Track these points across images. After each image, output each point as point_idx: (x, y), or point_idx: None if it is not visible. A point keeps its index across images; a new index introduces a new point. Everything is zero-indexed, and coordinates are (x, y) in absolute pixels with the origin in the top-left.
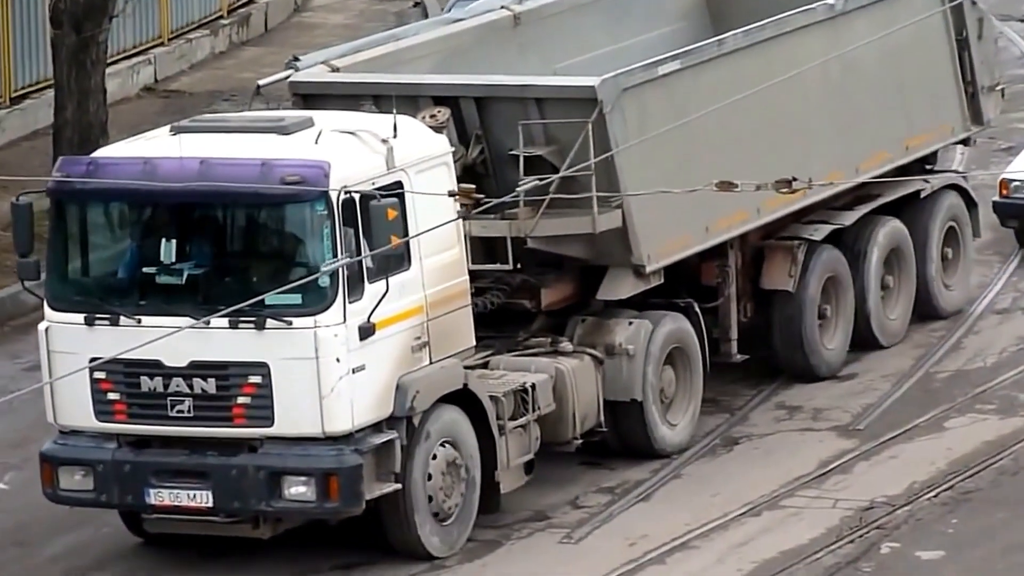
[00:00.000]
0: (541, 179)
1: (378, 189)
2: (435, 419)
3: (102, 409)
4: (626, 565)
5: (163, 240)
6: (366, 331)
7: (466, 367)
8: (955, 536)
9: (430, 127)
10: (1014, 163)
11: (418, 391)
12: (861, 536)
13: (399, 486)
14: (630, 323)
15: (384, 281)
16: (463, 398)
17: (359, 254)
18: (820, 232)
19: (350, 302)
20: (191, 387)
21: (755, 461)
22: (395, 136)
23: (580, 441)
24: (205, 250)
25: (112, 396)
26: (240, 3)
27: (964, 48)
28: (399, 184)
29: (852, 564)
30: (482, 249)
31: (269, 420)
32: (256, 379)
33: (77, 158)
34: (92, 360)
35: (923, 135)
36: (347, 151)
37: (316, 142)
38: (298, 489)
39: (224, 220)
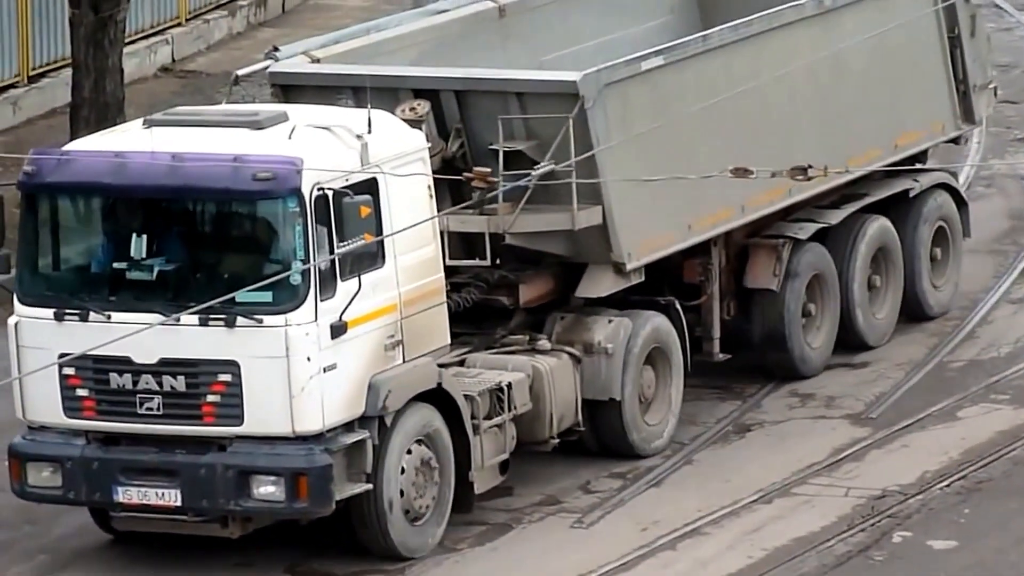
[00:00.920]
0: (518, 175)
1: (353, 186)
2: (408, 418)
3: (71, 405)
4: (637, 550)
5: (134, 235)
6: (338, 329)
7: (442, 365)
8: (967, 525)
9: (410, 120)
10: None
11: (390, 390)
12: (873, 525)
13: (370, 486)
14: (610, 321)
15: (357, 279)
16: (437, 397)
17: (332, 252)
18: (806, 231)
19: (322, 300)
20: (160, 384)
21: (767, 448)
22: (370, 132)
23: (557, 441)
24: (176, 246)
25: (81, 392)
26: None
27: (956, 46)
28: (374, 182)
29: (864, 553)
30: (460, 244)
31: (239, 419)
32: (226, 377)
33: (49, 150)
34: (61, 356)
35: (914, 133)
36: (321, 147)
37: (289, 137)
38: (267, 489)
39: (195, 216)
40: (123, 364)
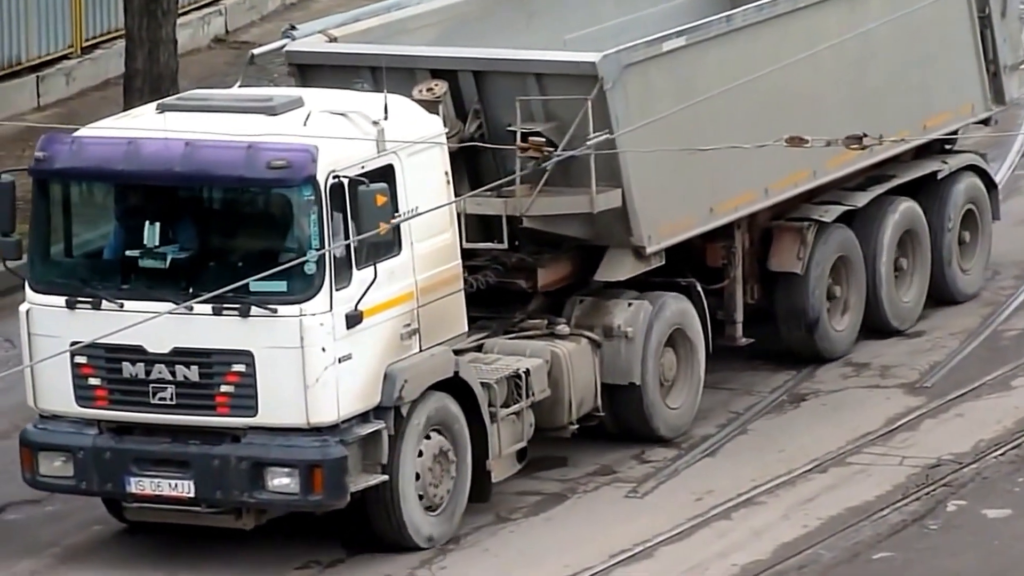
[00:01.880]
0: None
1: (369, 173)
2: (424, 408)
3: (83, 394)
4: (691, 520)
5: (146, 223)
6: (353, 319)
7: (459, 351)
8: (1022, 494)
9: (427, 100)
10: None
11: (407, 380)
12: (928, 494)
13: (386, 478)
14: (629, 304)
15: (372, 267)
16: (454, 385)
17: (347, 240)
18: (831, 213)
19: (337, 289)
20: (173, 374)
21: (822, 418)
22: (386, 118)
23: (576, 427)
24: (189, 234)
25: (93, 381)
26: None
27: (986, 26)
28: (390, 168)
29: (918, 522)
30: (478, 227)
31: (253, 409)
32: (240, 367)
33: (60, 136)
34: (73, 344)
35: (943, 114)
36: (336, 133)
37: (305, 124)
38: (281, 480)
39: (209, 203)
40: (136, 353)
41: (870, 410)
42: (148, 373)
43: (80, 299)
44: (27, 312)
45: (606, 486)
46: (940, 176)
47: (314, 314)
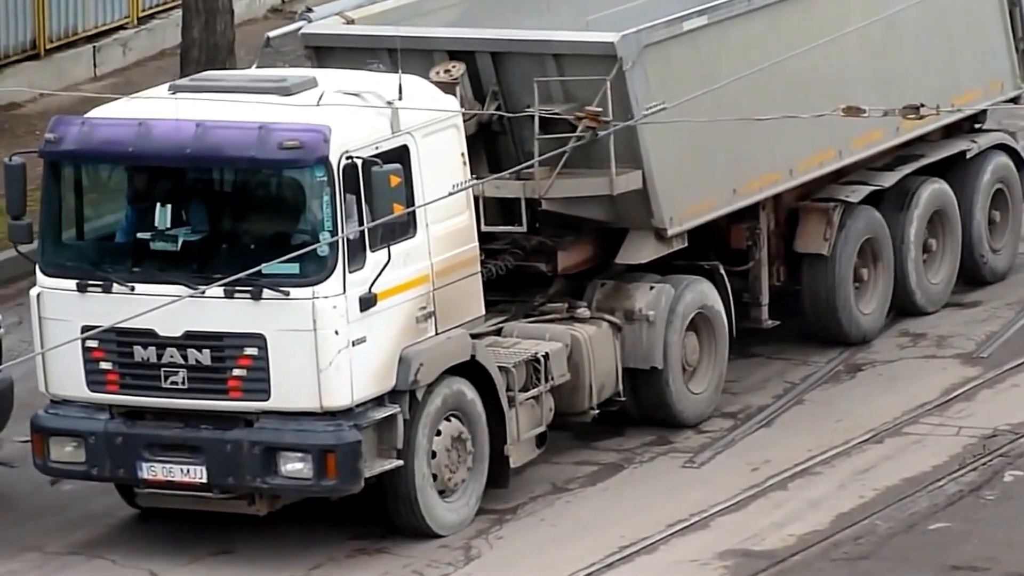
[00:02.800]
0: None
1: (383, 154)
2: (440, 392)
3: (94, 379)
4: (748, 490)
5: (158, 205)
6: (367, 302)
7: (477, 335)
8: None
9: (444, 82)
10: None
11: (422, 363)
12: (984, 464)
13: (401, 462)
14: (651, 288)
15: (386, 250)
16: (471, 369)
17: (361, 221)
18: (858, 193)
19: (350, 272)
20: (185, 358)
21: (878, 388)
22: (400, 98)
23: (597, 411)
24: (201, 216)
25: (104, 365)
26: None
27: (1015, 3)
28: (405, 149)
29: (975, 492)
30: (497, 209)
31: (265, 393)
32: (252, 351)
33: (70, 118)
34: (84, 328)
35: (971, 92)
36: (349, 114)
37: (318, 104)
38: (294, 465)
39: (221, 185)
40: (147, 337)
41: (926, 380)
42: (160, 357)
43: (91, 282)
44: (38, 296)
45: (663, 456)
46: (969, 155)
47: (327, 296)
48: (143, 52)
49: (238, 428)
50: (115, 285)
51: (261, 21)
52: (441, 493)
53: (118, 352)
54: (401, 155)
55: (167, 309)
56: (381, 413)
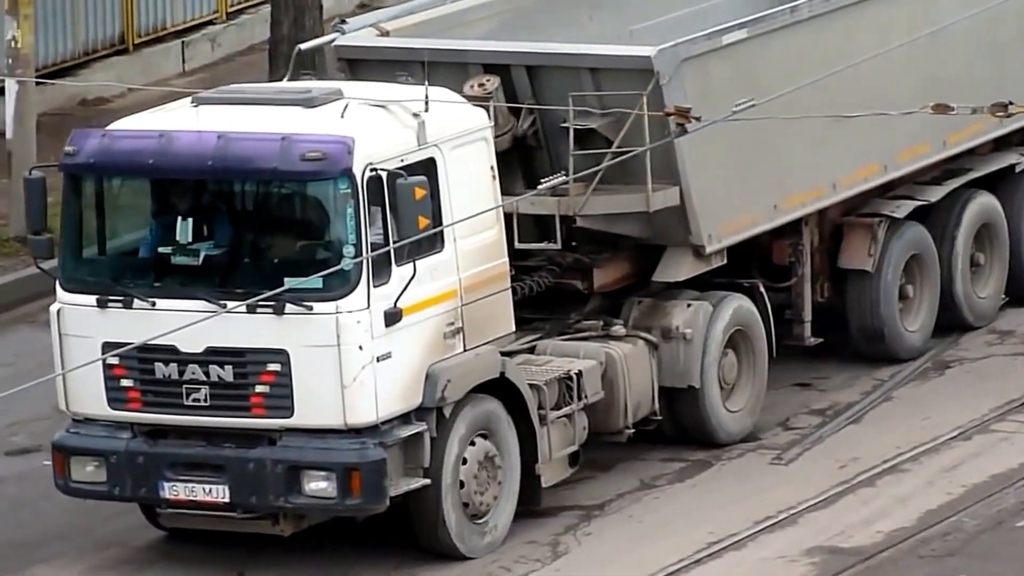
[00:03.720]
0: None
1: (408, 167)
2: (469, 410)
3: (115, 396)
4: (836, 487)
5: (179, 218)
6: (392, 317)
7: (510, 352)
8: None
9: (478, 96)
10: None
11: (449, 380)
12: None
13: (427, 481)
14: (688, 305)
15: (412, 264)
16: (501, 387)
17: (386, 234)
18: (903, 208)
19: (375, 286)
20: (207, 374)
21: (966, 385)
22: (427, 110)
23: (632, 431)
24: (223, 230)
25: (125, 383)
26: None
27: None
28: (432, 161)
29: None
30: (532, 226)
31: (289, 411)
32: (275, 367)
33: (90, 131)
34: (105, 345)
35: (1022, 105)
36: (374, 126)
37: (342, 116)
38: (318, 484)
39: (243, 198)
40: (169, 353)
41: (1015, 377)
42: (181, 374)
43: (111, 298)
44: (58, 312)
45: (751, 453)
46: (1019, 169)
47: (351, 311)
48: (231, 47)
49: (261, 446)
50: (136, 301)
51: (348, 16)
52: (470, 514)
53: (139, 369)
54: (428, 168)
55: (187, 324)
56: (407, 431)
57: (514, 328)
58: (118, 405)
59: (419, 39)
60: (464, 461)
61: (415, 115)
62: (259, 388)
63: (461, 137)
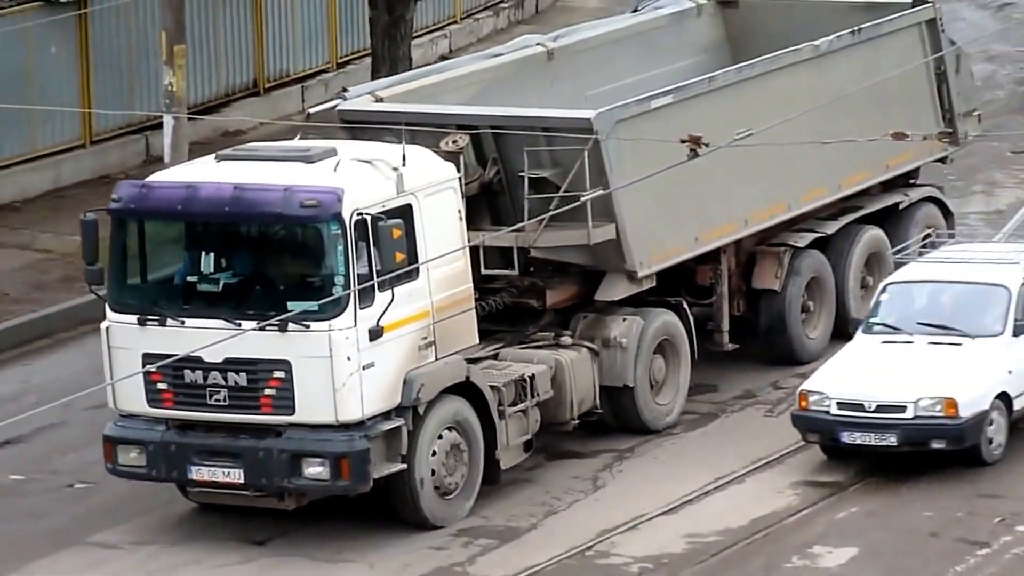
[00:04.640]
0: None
1: (388, 212)
2: (439, 408)
3: (152, 397)
4: None
5: (203, 253)
6: (375, 333)
7: (476, 359)
8: None
9: (451, 151)
10: (813, 377)
11: (423, 384)
12: None
13: (404, 466)
14: (624, 319)
15: (391, 291)
16: (467, 389)
17: (370, 266)
18: (804, 239)
19: (361, 308)
20: (226, 380)
21: None
22: (404, 164)
23: (577, 421)
24: (238, 262)
25: (161, 386)
26: None
27: (943, 80)
28: (408, 207)
29: None
30: (497, 256)
31: (291, 409)
32: (280, 374)
33: (133, 182)
34: (145, 355)
35: (905, 155)
36: (361, 178)
37: (335, 170)
38: (315, 469)
39: (254, 237)
40: (195, 362)
41: None
42: (205, 379)
43: (149, 317)
44: (107, 328)
45: (749, 407)
46: (902, 207)
47: (341, 329)
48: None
49: (269, 438)
50: (169, 320)
51: (432, 62)
52: (440, 492)
53: (172, 375)
54: (405, 212)
55: (210, 339)
56: (388, 425)
57: (478, 341)
58: (155, 404)
59: (408, 104)
60: (435, 449)
61: (395, 169)
62: (267, 391)
63: (433, 187)
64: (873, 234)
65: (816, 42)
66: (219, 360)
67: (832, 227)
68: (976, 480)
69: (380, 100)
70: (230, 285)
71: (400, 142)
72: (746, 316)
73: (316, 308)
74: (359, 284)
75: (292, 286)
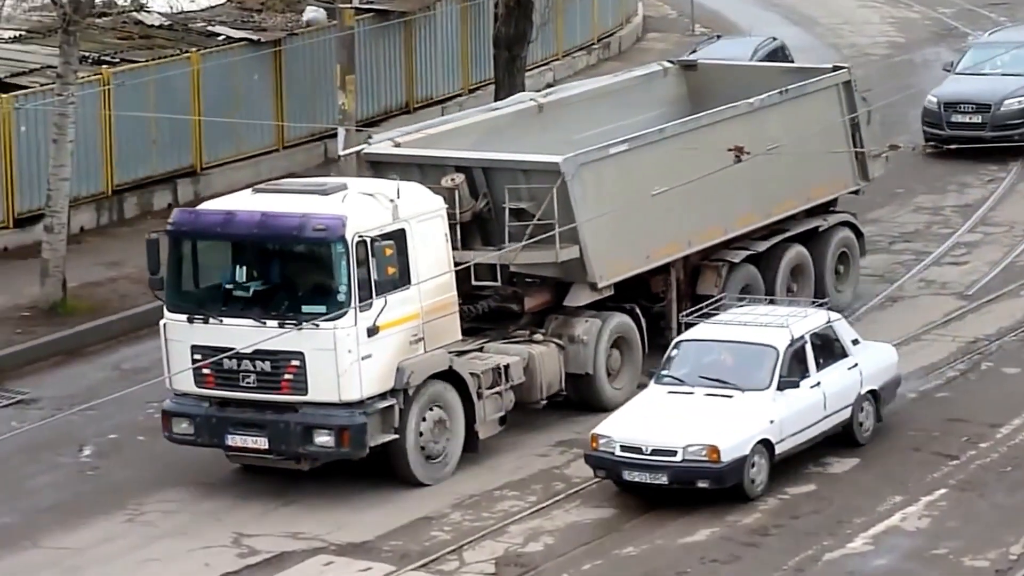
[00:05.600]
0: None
1: (384, 235)
2: (426, 390)
3: (199, 380)
4: None
5: (237, 266)
6: (372, 331)
7: (464, 351)
8: None
9: (449, 186)
10: (605, 421)
11: (412, 371)
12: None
13: (396, 436)
14: (586, 320)
15: (384, 298)
16: (451, 375)
17: (369, 278)
18: (738, 256)
19: (361, 311)
20: (254, 366)
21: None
22: (398, 197)
23: (546, 401)
24: (265, 274)
25: (205, 371)
26: (605, 35)
27: (856, 129)
28: (402, 231)
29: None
30: (487, 270)
31: (304, 390)
32: (296, 363)
33: (186, 209)
34: (193, 347)
35: (823, 187)
36: (363, 208)
37: (342, 201)
38: (323, 438)
39: (277, 254)
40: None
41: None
42: (239, 365)
43: (196, 316)
44: (164, 325)
45: None
46: (821, 229)
47: (344, 328)
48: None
49: (288, 413)
50: (210, 318)
51: (544, 89)
52: (428, 457)
53: (214, 363)
54: (399, 235)
55: (242, 333)
56: (383, 404)
57: (461, 337)
58: (200, 385)
59: (419, 148)
60: (423, 423)
61: (391, 200)
62: (286, 376)
63: (424, 215)
64: (797, 251)
65: (751, 100)
66: (249, 351)
67: (763, 246)
68: (948, 408)
69: (398, 145)
70: (259, 292)
71: (399, 179)
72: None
73: (324, 310)
74: (359, 292)
75: (307, 293)
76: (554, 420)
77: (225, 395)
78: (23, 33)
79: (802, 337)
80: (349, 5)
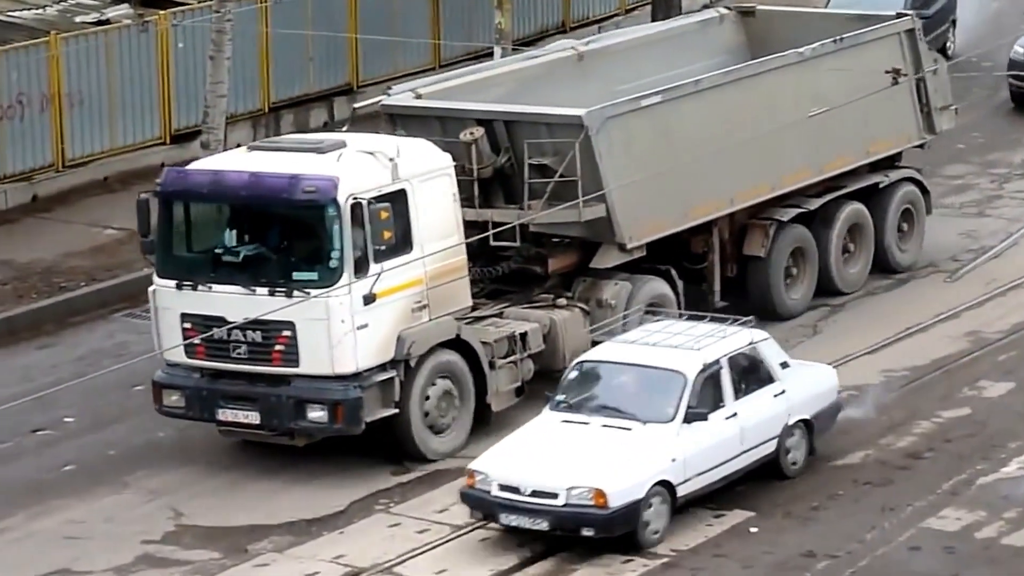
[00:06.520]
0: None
1: (382, 196)
2: (431, 360)
3: (188, 349)
4: (984, 295)
5: (226, 230)
6: (368, 299)
7: (480, 317)
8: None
9: (467, 141)
10: (483, 456)
11: (414, 341)
12: None
13: (396, 411)
14: (616, 284)
15: (381, 264)
16: (461, 344)
17: (365, 242)
18: (787, 214)
19: (356, 278)
20: (245, 336)
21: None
22: (399, 155)
23: None
24: (255, 238)
25: (195, 341)
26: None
27: (921, 80)
28: (402, 192)
29: None
30: (509, 229)
31: (296, 362)
32: (287, 333)
33: (175, 168)
34: (182, 314)
35: (884, 142)
36: (358, 167)
37: (337, 160)
38: (316, 413)
39: (267, 217)
40: (220, 322)
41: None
42: (229, 336)
43: (185, 283)
44: (153, 291)
45: (932, 274)
46: (882, 186)
47: (336, 296)
48: None
49: (280, 386)
50: (199, 285)
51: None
52: (434, 430)
53: (203, 331)
54: (399, 196)
55: (232, 302)
56: (382, 376)
57: (471, 303)
58: (191, 355)
59: (440, 100)
60: (428, 395)
61: (391, 159)
62: (278, 347)
63: (428, 173)
64: (855, 208)
65: (800, 49)
66: (239, 320)
67: (815, 203)
68: None
69: (419, 97)
70: (248, 257)
71: (406, 134)
72: (737, 278)
73: (316, 278)
74: (354, 257)
75: (298, 259)
76: None
77: (216, 366)
78: None
79: (717, 362)
80: None
